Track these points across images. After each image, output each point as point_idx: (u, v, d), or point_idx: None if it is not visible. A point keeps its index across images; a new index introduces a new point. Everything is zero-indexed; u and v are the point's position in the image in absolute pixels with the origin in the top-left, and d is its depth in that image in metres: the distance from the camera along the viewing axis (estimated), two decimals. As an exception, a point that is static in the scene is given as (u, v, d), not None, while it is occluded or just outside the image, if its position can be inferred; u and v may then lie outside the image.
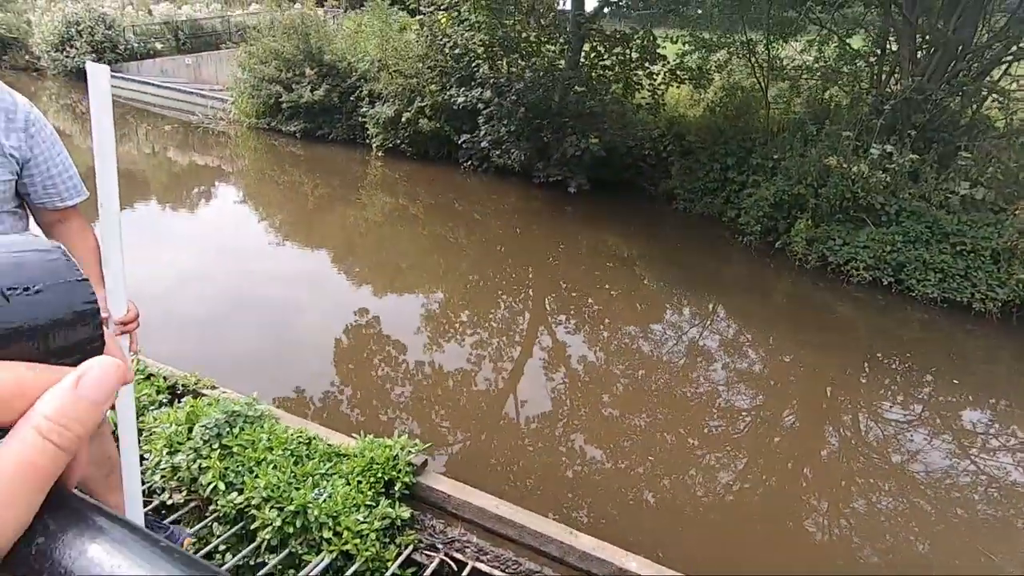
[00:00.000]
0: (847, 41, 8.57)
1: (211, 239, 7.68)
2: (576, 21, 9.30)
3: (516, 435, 4.17)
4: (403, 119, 10.40)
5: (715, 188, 8.61)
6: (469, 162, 10.15)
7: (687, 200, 8.87)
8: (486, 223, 9.24)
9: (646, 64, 9.62)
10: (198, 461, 2.21)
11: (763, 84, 8.76)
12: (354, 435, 2.46)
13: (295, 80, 11.69)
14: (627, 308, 6.53)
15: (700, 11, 8.71)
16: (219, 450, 2.24)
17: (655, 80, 9.72)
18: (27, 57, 18.50)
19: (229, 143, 12.81)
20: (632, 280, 7.31)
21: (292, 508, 2.04)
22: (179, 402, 2.54)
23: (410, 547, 2.17)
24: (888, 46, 7.95)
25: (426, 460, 2.38)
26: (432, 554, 2.18)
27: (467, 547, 2.20)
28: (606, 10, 10.06)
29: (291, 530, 2.04)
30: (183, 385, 2.66)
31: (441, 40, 10.36)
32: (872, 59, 8.26)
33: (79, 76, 16.78)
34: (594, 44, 9.60)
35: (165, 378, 2.71)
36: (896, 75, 7.75)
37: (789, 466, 4.22)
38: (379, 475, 2.23)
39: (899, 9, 7.25)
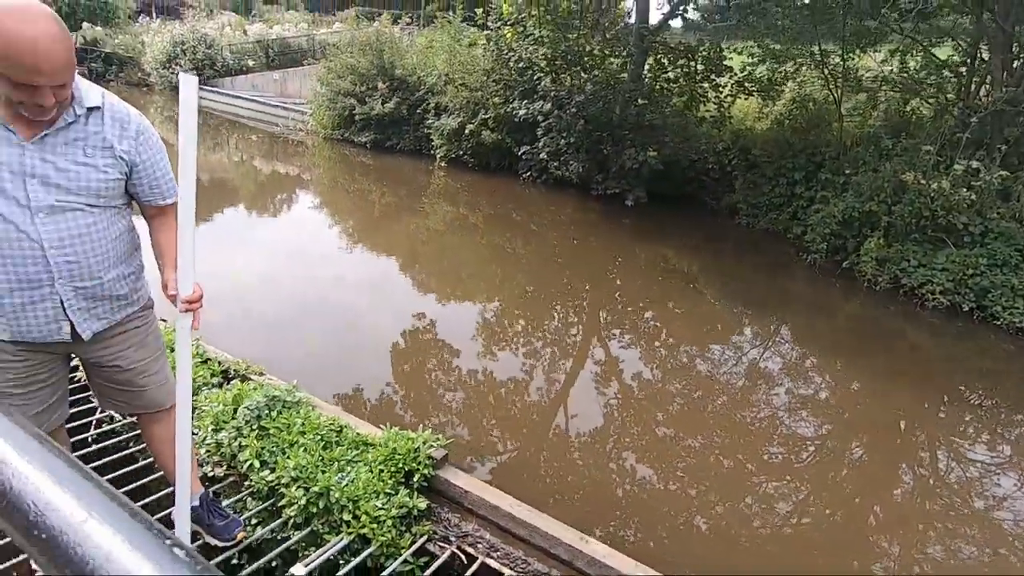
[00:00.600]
0: (932, 51, 8.04)
1: (285, 243, 8.18)
2: (640, 34, 9.27)
3: (565, 448, 4.15)
4: (466, 131, 10.71)
5: (781, 203, 8.28)
6: (528, 173, 10.30)
7: (750, 215, 8.59)
8: (543, 234, 9.31)
9: (711, 76, 9.43)
10: (238, 439, 2.40)
11: (836, 96, 8.36)
12: (381, 426, 2.58)
13: (368, 94, 12.32)
14: (685, 324, 6.35)
15: (780, 21, 8.39)
16: (257, 431, 2.43)
17: (721, 92, 9.50)
18: (139, 74, 20.54)
19: (306, 153, 13.64)
20: (691, 296, 7.12)
21: (316, 489, 2.18)
22: (228, 385, 2.77)
23: (424, 537, 2.25)
24: (979, 55, 7.38)
25: (446, 455, 2.47)
26: (445, 546, 2.25)
27: (479, 542, 2.26)
28: (677, 23, 9.97)
29: (314, 510, 2.18)
30: (234, 370, 2.90)
31: (506, 54, 10.63)
32: (962, 69, 7.70)
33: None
34: (658, 57, 9.53)
35: (220, 363, 2.96)
36: (987, 86, 7.18)
37: (857, 502, 3.95)
38: (400, 465, 2.33)
39: (992, 16, 6.74)
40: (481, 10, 11.30)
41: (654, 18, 9.81)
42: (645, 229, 8.99)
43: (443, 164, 11.47)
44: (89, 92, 1.42)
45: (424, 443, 2.44)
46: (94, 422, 2.65)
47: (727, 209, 9.08)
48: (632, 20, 10.42)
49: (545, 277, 7.43)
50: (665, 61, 9.54)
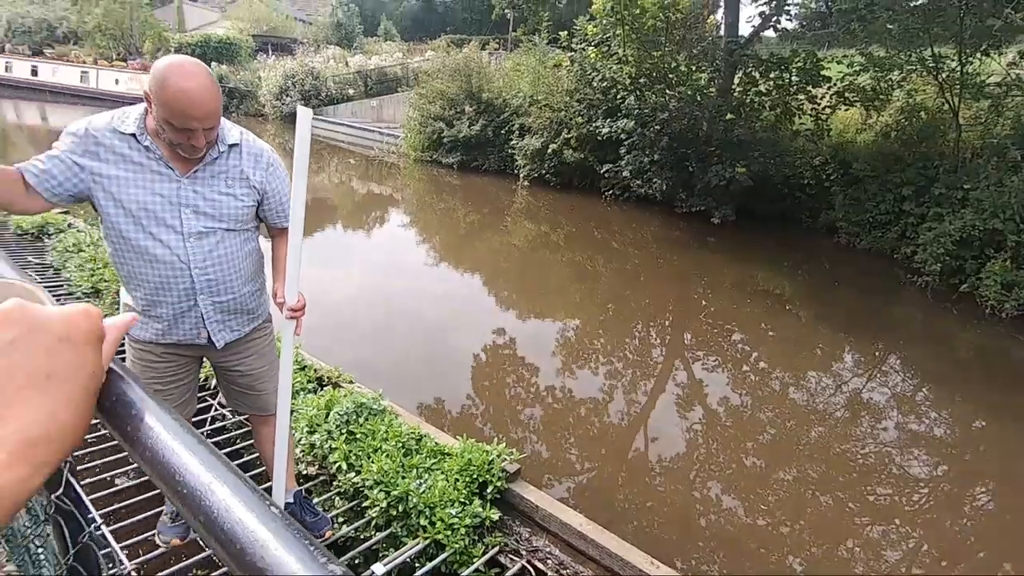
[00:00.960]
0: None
1: (377, 259, 8.68)
2: (729, 48, 9.02)
3: (643, 471, 4.05)
4: (549, 150, 10.88)
5: (887, 221, 7.65)
6: (611, 191, 10.26)
7: (851, 234, 8.01)
8: (625, 252, 9.21)
9: (807, 88, 8.96)
10: (329, 442, 2.60)
11: (953, 104, 7.65)
12: (458, 437, 2.69)
13: (456, 117, 12.87)
14: (778, 349, 6.01)
15: (888, 25, 7.80)
16: (346, 435, 2.62)
17: (818, 104, 8.99)
18: (256, 105, 22.73)
19: (398, 174, 14.43)
20: (784, 318, 6.74)
21: (396, 493, 2.32)
22: (322, 390, 3.01)
23: (496, 548, 2.31)
24: None
25: (519, 469, 2.52)
26: (515, 559, 2.30)
27: (549, 558, 2.29)
28: (772, 33, 9.60)
29: (394, 513, 2.31)
30: (327, 377, 3.15)
31: (590, 74, 10.72)
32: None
33: (291, 120, 20.23)
34: (748, 70, 9.21)
35: (316, 370, 3.22)
36: None
37: (981, 556, 3.55)
38: (475, 476, 2.41)
39: None
40: (566, 32, 11.50)
41: (744, 31, 9.50)
42: (733, 248, 8.64)
43: (526, 183, 11.69)
44: (230, 131, 1.65)
45: (499, 456, 2.52)
46: (209, 419, 2.97)
47: (825, 227, 8.54)
48: (721, 34, 10.14)
49: (626, 296, 7.33)
50: (756, 74, 9.20)
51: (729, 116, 8.65)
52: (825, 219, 8.53)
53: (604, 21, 10.17)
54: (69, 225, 5.58)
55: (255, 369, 1.93)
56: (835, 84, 8.90)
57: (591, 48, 10.57)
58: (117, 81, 24.45)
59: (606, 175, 10.09)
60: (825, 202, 8.59)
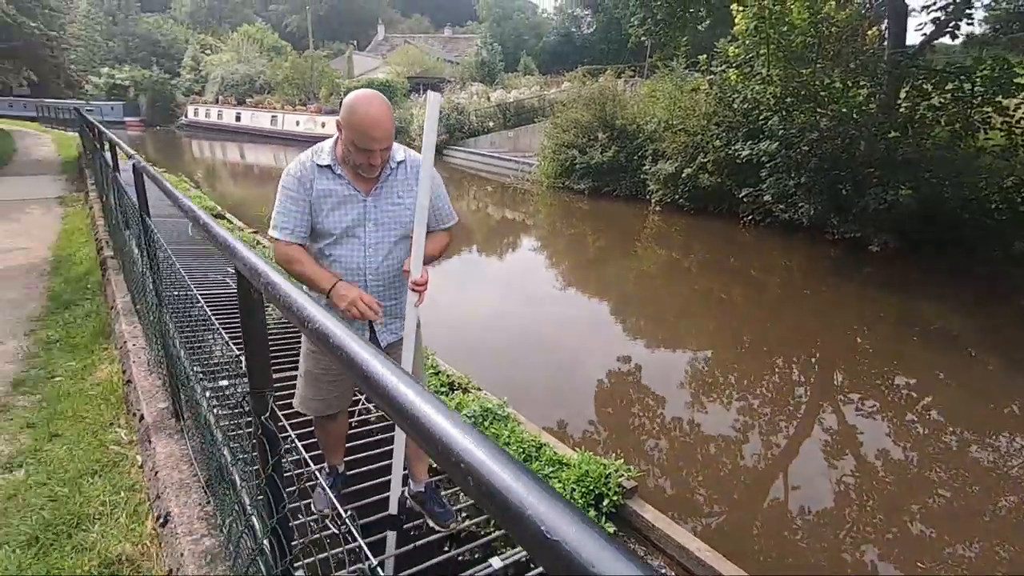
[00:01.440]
0: None
1: (507, 279, 9.04)
2: (893, 60, 8.17)
3: (784, 523, 3.69)
4: (683, 175, 10.62)
5: (1106, 253, 6.33)
6: (750, 216, 9.70)
7: (1056, 267, 6.73)
8: (764, 281, 8.62)
9: (996, 98, 7.78)
10: (457, 441, 2.80)
11: None
12: (576, 449, 2.74)
13: (588, 144, 13.09)
14: (955, 399, 5.16)
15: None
16: (472, 436, 2.80)
17: (1011, 116, 7.77)
18: (407, 139, 25.03)
19: (531, 200, 14.95)
20: (963, 364, 5.79)
21: (515, 495, 2.43)
22: (452, 394, 3.24)
23: (609, 562, 2.32)
24: None
25: (636, 486, 2.51)
26: (629, 576, 2.28)
27: (663, 581, 2.24)
28: (950, 40, 8.56)
29: (513, 513, 2.42)
30: (457, 382, 3.38)
31: (730, 96, 10.33)
32: None
33: (436, 152, 21.91)
34: (916, 83, 8.25)
35: (448, 375, 3.48)
36: None
37: None
38: (591, 487, 2.45)
39: None
40: (704, 56, 11.24)
41: (913, 40, 8.56)
42: (895, 280, 7.68)
43: (658, 208, 11.47)
44: (396, 151, 1.92)
45: (616, 471, 2.53)
46: (356, 412, 3.34)
47: (1020, 258, 7.27)
48: (884, 46, 9.23)
49: (765, 328, 6.81)
50: (927, 87, 8.21)
51: (893, 134, 7.78)
52: (1021, 248, 7.27)
53: (747, 41, 9.79)
54: (257, 242, 6.61)
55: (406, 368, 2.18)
56: (1033, 93, 7.64)
57: (731, 70, 10.20)
58: (298, 123, 28.43)
59: (745, 199, 9.57)
60: (1020, 230, 7.33)
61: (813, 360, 6.07)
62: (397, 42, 42.30)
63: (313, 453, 2.45)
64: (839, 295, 7.66)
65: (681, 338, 6.62)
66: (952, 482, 3.93)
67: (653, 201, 11.52)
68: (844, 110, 8.53)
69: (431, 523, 2.43)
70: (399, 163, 1.87)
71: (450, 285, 7.71)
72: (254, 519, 1.03)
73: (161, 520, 2.03)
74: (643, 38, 11.37)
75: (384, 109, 1.69)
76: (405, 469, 2.26)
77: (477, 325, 6.60)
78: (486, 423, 2.88)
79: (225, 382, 1.83)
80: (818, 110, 8.87)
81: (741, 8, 9.61)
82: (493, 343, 6.12)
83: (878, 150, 7.80)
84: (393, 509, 2.12)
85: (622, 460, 2.62)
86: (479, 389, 3.36)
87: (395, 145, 1.88)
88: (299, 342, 3.72)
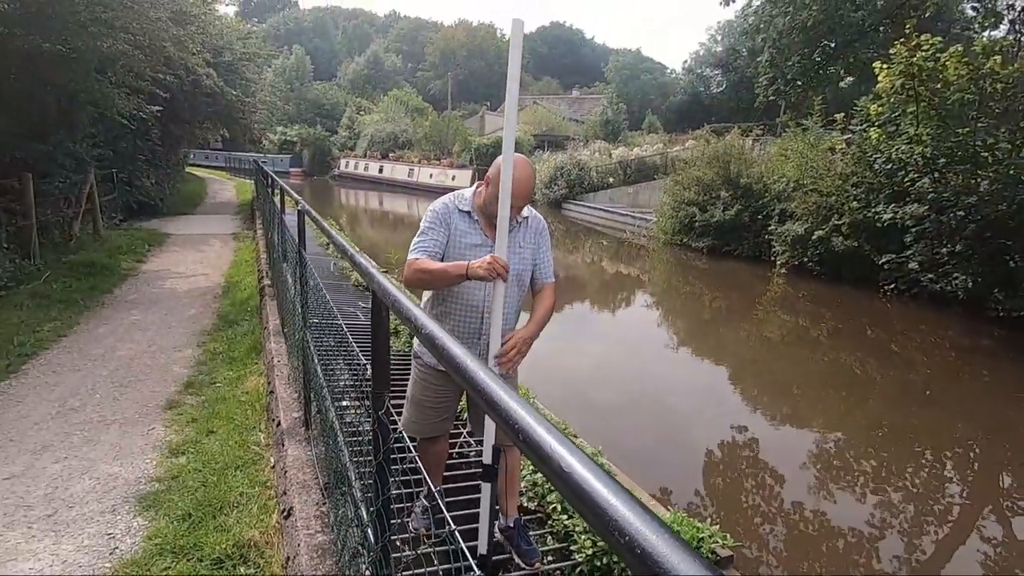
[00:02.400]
0: None
1: (618, 336, 8.92)
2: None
3: None
4: (814, 237, 9.98)
5: None
6: (892, 285, 8.81)
7: None
8: (909, 358, 7.71)
9: None
10: (548, 484, 2.86)
11: None
12: (669, 508, 2.68)
13: (710, 202, 12.81)
14: None
15: None
16: (564, 480, 2.84)
17: None
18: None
19: (647, 256, 14.81)
20: None
21: (602, 545, 2.42)
22: (548, 437, 3.31)
23: (696, 632, 2.21)
24: None
25: (732, 555, 2.39)
26: (717, 650, 2.16)
27: (756, 663, 2.09)
28: None
29: (598, 564, 2.41)
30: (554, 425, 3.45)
31: (871, 156, 9.65)
32: None
33: (556, 205, 22.67)
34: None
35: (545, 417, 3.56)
36: None
37: None
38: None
39: None
40: (842, 114, 10.66)
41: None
42: (1082, 369, 6.50)
43: (783, 271, 10.82)
44: (524, 208, 2.07)
45: (710, 536, 2.43)
46: (457, 444, 3.53)
47: None
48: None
49: (911, 412, 6.02)
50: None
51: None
52: None
53: (892, 99, 9.17)
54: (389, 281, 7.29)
55: None
56: None
57: (873, 129, 9.57)
58: (431, 175, 30.96)
59: (886, 266, 8.74)
60: None
61: (972, 456, 5.24)
62: (527, 103, 44.92)
63: (416, 477, 2.65)
64: (1004, 380, 6.64)
65: (807, 414, 6.03)
66: None
67: (778, 263, 10.90)
68: (1012, 172, 7.59)
69: (516, 559, 2.48)
70: (524, 218, 2.07)
71: (558, 337, 7.80)
72: (363, 510, 1.21)
73: (285, 513, 2.32)
74: (771, 97, 11.09)
75: (529, 173, 1.91)
76: (497, 505, 2.36)
77: (581, 379, 6.57)
78: (579, 469, 2.91)
79: (347, 401, 2.10)
80: (978, 172, 7.99)
81: (885, 66, 9.09)
82: (597, 398, 6.06)
83: (1057, 217, 6.82)
84: (483, 548, 2.14)
85: (718, 527, 2.50)
86: (575, 436, 3.40)
87: None
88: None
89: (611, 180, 22.47)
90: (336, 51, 68.19)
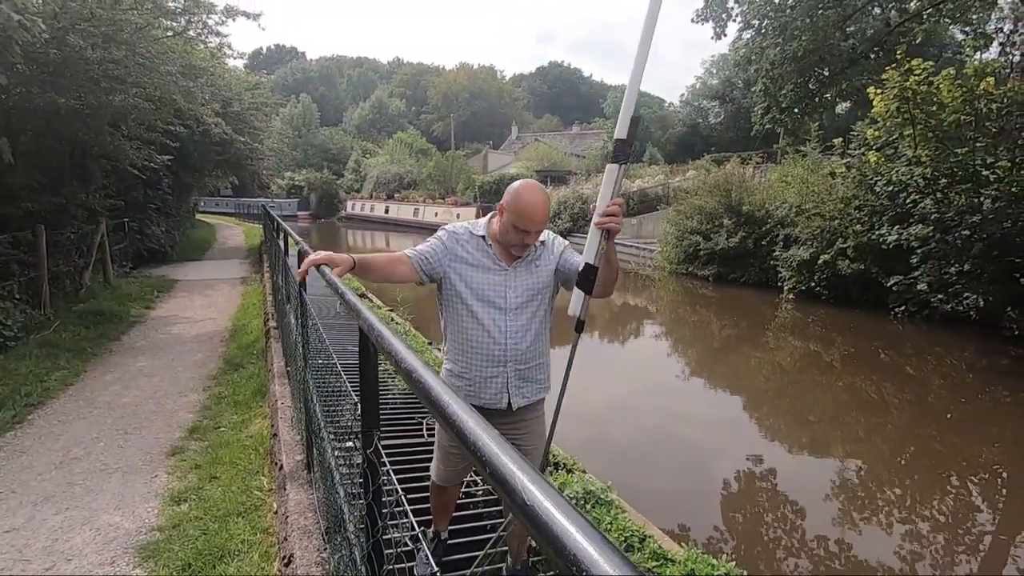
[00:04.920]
0: None
1: (627, 370, 8.77)
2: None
3: None
4: (820, 261, 9.94)
5: None
6: (902, 307, 8.71)
7: None
8: (925, 380, 7.55)
9: None
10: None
11: None
12: (683, 545, 2.58)
13: (713, 230, 12.84)
14: None
15: None
16: (573, 518, 2.76)
17: None
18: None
19: (653, 286, 14.78)
20: None
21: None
22: (557, 472, 3.23)
23: (716, 677, 2.10)
24: None
25: (748, 594, 2.29)
26: None
27: None
28: None
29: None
30: (563, 463, 3.37)
31: (872, 179, 9.69)
32: None
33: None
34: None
35: (553, 454, 3.49)
36: None
37: None
38: (698, 588, 2.28)
39: None
40: (840, 139, 10.77)
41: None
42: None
43: (790, 296, 10.73)
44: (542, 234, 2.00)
45: (726, 573, 2.34)
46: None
47: None
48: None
49: (930, 436, 5.85)
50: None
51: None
52: None
53: (888, 123, 9.27)
54: (392, 319, 7.29)
55: (530, 445, 2.08)
56: None
57: (871, 152, 9.64)
58: (436, 214, 31.35)
59: (895, 288, 8.66)
60: None
61: (1000, 480, 5.06)
62: (528, 140, 45.86)
63: (420, 518, 2.59)
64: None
65: (825, 442, 5.85)
66: None
67: (785, 288, 10.83)
68: (1014, 189, 7.58)
69: (523, 602, 2.38)
70: (541, 243, 2.01)
71: (580, 374, 7.65)
72: (355, 551, 1.18)
73: (286, 561, 2.26)
74: (767, 126, 11.25)
75: (544, 198, 1.87)
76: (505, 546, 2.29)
77: (589, 403, 6.48)
78: (588, 506, 2.82)
79: (349, 443, 2.07)
80: (980, 191, 7.98)
81: (879, 91, 9.22)
82: (610, 433, 5.93)
83: (1064, 233, 6.76)
84: None
85: (734, 563, 2.41)
86: (584, 471, 3.32)
87: None
88: (418, 415, 3.99)
89: (614, 212, 22.61)
90: (342, 98, 70.29)
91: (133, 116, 7.79)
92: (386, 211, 35.37)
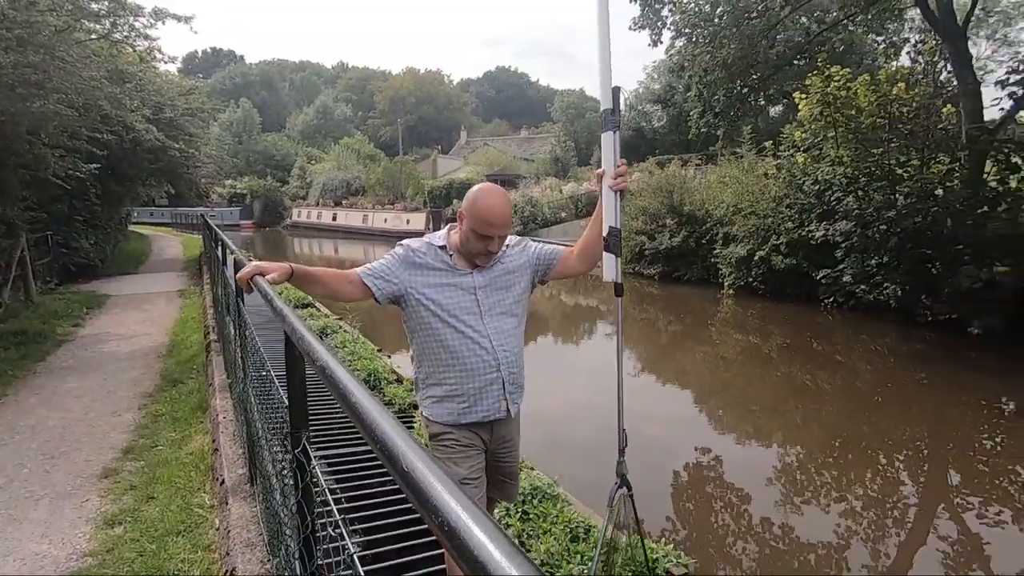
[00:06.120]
0: None
1: (580, 368, 8.90)
2: (971, 136, 7.92)
3: None
4: (756, 257, 10.45)
5: None
6: (831, 299, 9.27)
7: None
8: (853, 367, 8.05)
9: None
10: (507, 518, 2.83)
11: None
12: (624, 532, 2.69)
13: (657, 230, 13.28)
14: None
15: None
16: (521, 513, 2.83)
17: None
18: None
19: (601, 287, 15.05)
20: None
21: (560, 575, 2.41)
22: (504, 472, 3.30)
23: (657, 655, 2.21)
24: None
25: (686, 574, 2.41)
26: (678, 672, 2.16)
27: None
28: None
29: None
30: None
31: (800, 179, 10.29)
32: None
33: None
34: (1003, 156, 7.88)
35: (502, 454, 3.55)
36: None
37: None
38: (637, 571, 2.39)
39: None
40: (771, 142, 11.38)
41: (992, 114, 8.29)
42: (1009, 366, 6.93)
43: (731, 292, 11.22)
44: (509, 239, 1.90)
45: (664, 556, 2.45)
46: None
47: None
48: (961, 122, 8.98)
49: (860, 418, 6.21)
50: (1018, 159, 7.80)
51: (982, 209, 7.38)
52: None
53: (813, 126, 9.87)
54: (341, 327, 7.18)
55: (515, 458, 2.05)
56: None
57: (799, 153, 10.24)
58: (385, 220, 30.95)
59: (823, 281, 9.21)
60: None
61: (920, 455, 5.45)
62: (477, 145, 45.96)
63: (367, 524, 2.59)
64: (940, 382, 7.00)
65: (764, 429, 6.12)
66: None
67: (726, 284, 11.32)
68: (921, 187, 8.23)
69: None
70: (507, 245, 1.91)
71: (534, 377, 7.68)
72: (292, 545, 1.20)
73: (228, 575, 2.22)
74: (704, 129, 11.76)
75: (504, 200, 1.78)
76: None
77: (538, 399, 6.47)
78: (535, 501, 2.90)
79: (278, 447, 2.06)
80: (895, 188, 8.62)
81: (804, 96, 9.81)
82: (561, 431, 5.97)
83: (965, 226, 7.38)
84: None
85: (672, 546, 2.53)
86: (532, 468, 3.39)
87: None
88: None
89: (563, 215, 23.01)
90: (284, 103, 68.38)
91: (55, 123, 7.36)
92: (334, 218, 34.62)
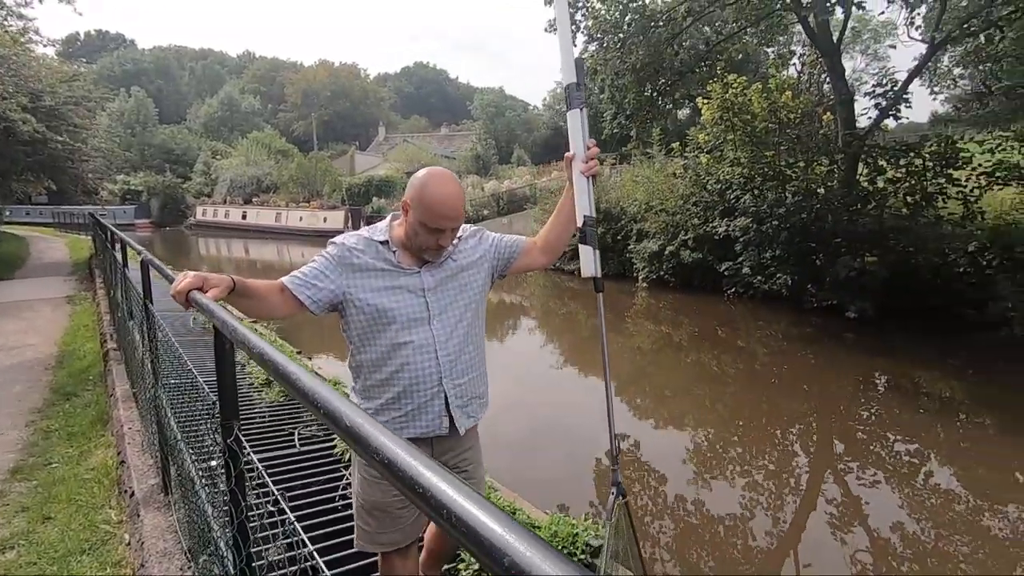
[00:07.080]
0: None
1: (507, 363, 9.04)
2: (846, 140, 8.89)
3: None
4: (666, 252, 11.11)
5: (1072, 308, 6.58)
6: (732, 289, 10.06)
7: (1027, 325, 6.95)
8: (752, 351, 8.77)
9: (947, 171, 8.39)
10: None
11: None
12: (547, 511, 2.85)
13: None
14: (961, 464, 5.10)
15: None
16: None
17: (964, 187, 8.33)
18: (406, 230, 25.98)
19: (525, 283, 15.39)
20: (962, 429, 5.77)
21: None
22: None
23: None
24: None
25: (602, 545, 2.59)
26: (598, 635, 2.32)
27: (632, 638, 2.28)
28: (923, 116, 9.30)
29: (486, 576, 2.49)
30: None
31: (704, 178, 11.06)
32: None
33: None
34: (871, 159, 8.92)
35: (429, 448, 3.61)
36: None
37: None
38: (559, 547, 2.55)
39: None
40: (679, 144, 12.13)
41: (864, 122, 9.36)
42: (878, 345, 7.85)
43: (644, 285, 11.85)
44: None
45: (584, 530, 2.63)
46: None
47: (999, 320, 7.49)
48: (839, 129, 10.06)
49: (760, 397, 6.79)
50: (883, 162, 8.87)
51: (855, 206, 8.32)
52: (995, 310, 7.52)
53: (714, 129, 10.63)
54: (255, 330, 6.87)
55: (477, 476, 1.83)
56: (980, 165, 8.25)
57: (703, 155, 11.01)
58: (301, 218, 29.69)
59: (726, 273, 9.98)
60: (992, 291, 7.62)
61: (810, 428, 6.05)
62: (396, 141, 45.12)
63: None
64: (824, 362, 7.79)
65: (681, 413, 6.51)
66: (972, 552, 3.80)
67: (640, 278, 11.94)
68: (806, 186, 9.15)
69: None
70: (459, 237, 1.70)
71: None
72: (221, 543, 1.22)
73: (144, 588, 2.13)
74: (616, 131, 12.34)
75: (457, 187, 1.56)
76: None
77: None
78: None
79: (212, 461, 2.01)
80: (785, 187, 9.50)
81: (706, 101, 10.56)
82: (492, 427, 6.04)
83: (842, 221, 8.29)
84: None
85: (590, 520, 2.71)
86: (495, 489, 3.47)
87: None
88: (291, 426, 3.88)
89: (486, 212, 23.16)
90: (184, 93, 63.61)
91: (-93, 110, 6.50)
92: (243, 217, 32.74)
